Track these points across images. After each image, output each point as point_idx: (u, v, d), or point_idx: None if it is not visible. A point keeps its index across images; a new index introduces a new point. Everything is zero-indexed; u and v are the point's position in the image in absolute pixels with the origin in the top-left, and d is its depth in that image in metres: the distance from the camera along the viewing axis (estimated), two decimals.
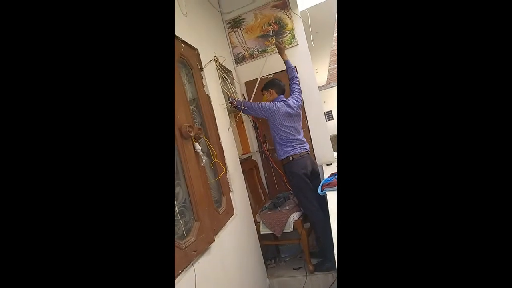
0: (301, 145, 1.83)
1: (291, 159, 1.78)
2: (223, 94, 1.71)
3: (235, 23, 2.20)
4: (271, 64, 2.17)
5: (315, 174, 1.91)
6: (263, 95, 1.90)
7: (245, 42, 2.21)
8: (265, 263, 1.87)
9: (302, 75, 2.11)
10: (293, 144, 1.80)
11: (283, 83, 1.90)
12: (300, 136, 1.86)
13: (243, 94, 2.21)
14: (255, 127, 2.24)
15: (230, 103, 1.76)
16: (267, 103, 1.80)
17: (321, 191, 1.45)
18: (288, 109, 1.80)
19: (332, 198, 1.29)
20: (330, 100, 9.44)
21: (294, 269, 1.90)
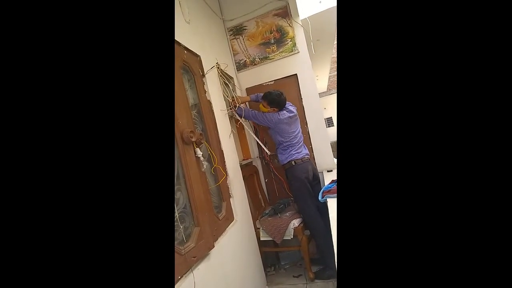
0: (303, 150, 1.85)
1: (294, 164, 1.80)
2: (225, 100, 1.73)
3: (237, 31, 2.24)
4: (272, 71, 2.19)
5: (316, 179, 1.92)
6: (263, 105, 1.89)
7: (246, 49, 2.24)
8: (264, 270, 1.85)
9: (303, 82, 2.13)
10: (295, 148, 1.83)
11: (285, 99, 1.87)
12: (302, 141, 1.90)
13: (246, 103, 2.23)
14: (256, 133, 2.25)
15: (231, 109, 1.78)
16: (271, 114, 1.82)
17: (322, 198, 1.45)
18: (290, 114, 1.85)
19: (333, 205, 1.28)
20: (331, 107, 9.47)
21: (294, 276, 1.88)
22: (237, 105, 1.82)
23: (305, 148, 1.91)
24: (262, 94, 1.95)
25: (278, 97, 1.84)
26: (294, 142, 1.84)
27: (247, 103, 2.08)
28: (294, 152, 1.82)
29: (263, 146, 2.05)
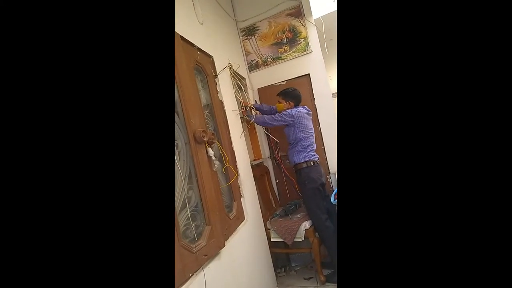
0: (316, 154, 1.83)
1: (312, 164, 1.77)
2: (236, 101, 1.74)
3: (250, 31, 2.25)
4: (284, 71, 2.18)
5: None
6: (279, 102, 1.89)
7: (259, 49, 2.24)
8: (275, 271, 1.84)
9: (316, 82, 2.11)
10: (313, 149, 1.81)
11: (299, 94, 1.89)
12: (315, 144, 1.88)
13: (255, 100, 2.23)
14: (267, 130, 2.25)
15: (243, 110, 1.79)
16: (288, 111, 1.80)
17: (334, 199, 1.42)
18: (308, 111, 1.84)
19: None
20: None
21: (304, 279, 1.86)
22: (249, 106, 1.82)
23: None
24: (267, 106, 1.98)
25: (293, 90, 1.87)
26: (313, 141, 1.82)
27: (257, 102, 2.08)
28: (312, 153, 1.78)
29: (271, 136, 2.00)
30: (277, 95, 1.93)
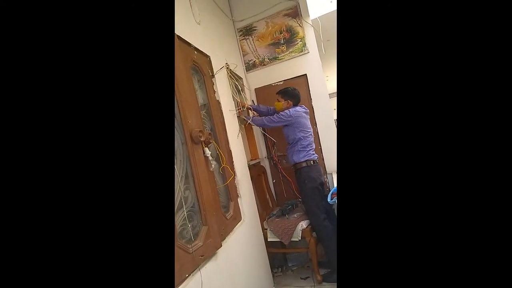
0: (315, 153, 1.83)
1: (312, 163, 1.77)
2: (234, 101, 1.74)
3: (247, 31, 2.25)
4: (281, 71, 2.19)
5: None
6: (278, 100, 1.89)
7: (256, 49, 2.24)
8: (271, 271, 1.84)
9: (313, 82, 2.11)
10: (313, 148, 1.82)
11: (299, 94, 1.89)
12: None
13: (252, 100, 2.23)
14: (264, 130, 2.25)
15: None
16: (286, 111, 1.80)
17: (331, 199, 1.43)
18: (306, 110, 1.85)
19: None
20: None
21: (301, 278, 1.86)
22: (246, 107, 1.83)
23: None
24: (264, 107, 1.97)
25: (293, 90, 1.87)
26: (312, 140, 1.82)
27: (254, 102, 2.08)
28: (311, 153, 1.79)
29: (268, 136, 2.01)
30: (276, 93, 1.93)
